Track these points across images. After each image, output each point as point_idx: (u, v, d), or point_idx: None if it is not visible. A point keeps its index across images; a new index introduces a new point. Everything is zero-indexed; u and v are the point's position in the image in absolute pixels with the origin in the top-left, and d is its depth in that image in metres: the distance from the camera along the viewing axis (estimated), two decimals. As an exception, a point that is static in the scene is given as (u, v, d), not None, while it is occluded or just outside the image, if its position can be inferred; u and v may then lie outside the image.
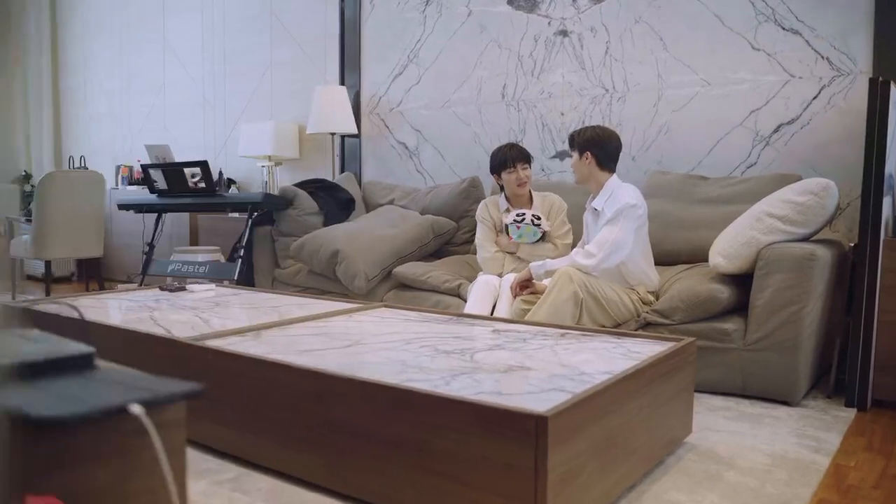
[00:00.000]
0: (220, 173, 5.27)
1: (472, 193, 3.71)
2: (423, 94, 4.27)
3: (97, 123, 6.40)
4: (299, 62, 4.90)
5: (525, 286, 2.74)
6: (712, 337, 2.46)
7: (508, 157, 3.06)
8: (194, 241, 5.09)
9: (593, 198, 2.78)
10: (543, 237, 3.05)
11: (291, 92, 4.94)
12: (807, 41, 3.07)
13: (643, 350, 1.87)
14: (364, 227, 3.56)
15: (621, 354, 1.82)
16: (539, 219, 3.03)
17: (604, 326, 2.61)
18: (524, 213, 3.05)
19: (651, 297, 2.69)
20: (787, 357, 2.33)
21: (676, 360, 1.82)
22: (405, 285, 3.28)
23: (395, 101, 4.40)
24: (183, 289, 3.05)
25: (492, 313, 2.81)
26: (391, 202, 4.01)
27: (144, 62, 5.96)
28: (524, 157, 3.07)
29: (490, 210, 3.17)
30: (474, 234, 3.24)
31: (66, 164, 6.49)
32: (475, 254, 3.21)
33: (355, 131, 4.43)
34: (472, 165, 4.06)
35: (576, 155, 2.76)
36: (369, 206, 4.12)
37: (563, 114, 3.74)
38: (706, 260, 2.70)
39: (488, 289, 2.84)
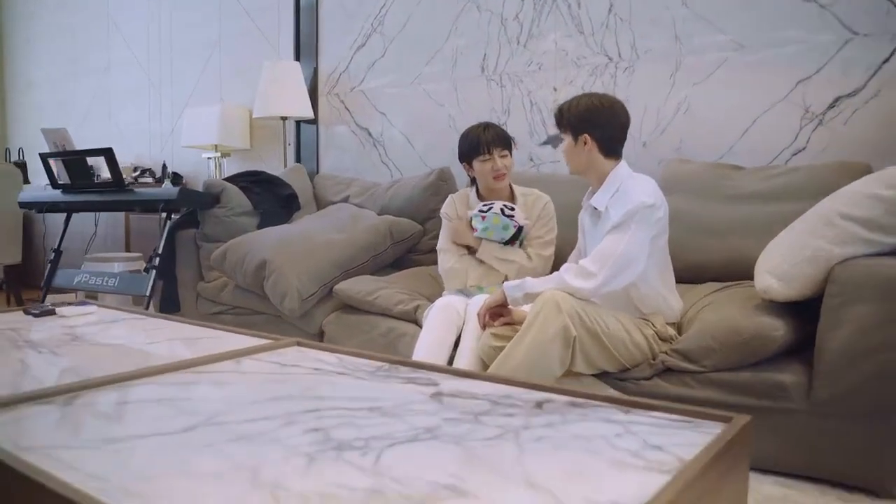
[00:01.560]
0: (164, 166, 4.57)
1: (440, 188, 2.99)
2: (389, 69, 3.55)
3: (42, 112, 5.70)
4: (251, 37, 4.18)
5: (498, 314, 2.00)
6: (761, 393, 1.73)
7: (482, 141, 2.34)
8: (129, 244, 4.38)
9: (593, 193, 2.05)
10: (518, 234, 2.33)
11: (240, 71, 4.22)
12: (875, -13, 2.34)
13: (667, 441, 1.13)
14: (303, 231, 2.83)
15: (632, 452, 1.09)
16: (512, 209, 2.32)
17: (604, 371, 1.88)
18: (492, 203, 2.34)
19: (671, 331, 1.96)
20: (875, 427, 1.60)
21: (727, 459, 1.09)
22: (350, 307, 2.56)
23: (357, 79, 3.68)
24: (52, 312, 2.33)
25: (454, 349, 2.09)
26: (346, 199, 3.28)
27: (89, 42, 5.25)
28: (503, 142, 2.36)
29: (458, 206, 2.47)
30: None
31: (4, 156, 5.79)
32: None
33: (311, 115, 3.71)
34: (447, 155, 3.32)
35: (568, 138, 2.03)
36: (321, 205, 3.39)
37: (555, 89, 3.01)
38: (743, 277, 1.98)
39: (449, 316, 2.11)
